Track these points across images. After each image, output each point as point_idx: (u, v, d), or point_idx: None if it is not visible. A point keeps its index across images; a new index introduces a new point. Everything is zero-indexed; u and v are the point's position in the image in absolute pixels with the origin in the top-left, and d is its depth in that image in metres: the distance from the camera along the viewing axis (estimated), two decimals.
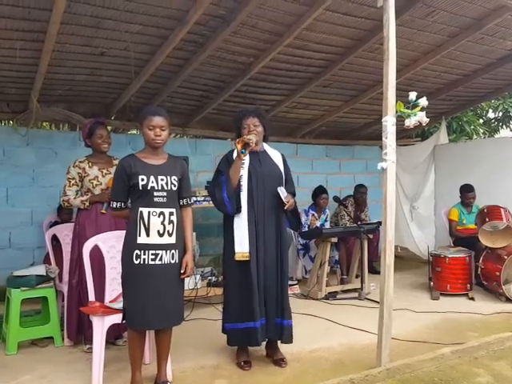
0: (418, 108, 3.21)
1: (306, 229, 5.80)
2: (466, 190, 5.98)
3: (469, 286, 5.20)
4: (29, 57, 4.46)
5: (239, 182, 3.34)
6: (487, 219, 5.19)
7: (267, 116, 3.65)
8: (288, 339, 3.40)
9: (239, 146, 3.26)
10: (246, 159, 3.34)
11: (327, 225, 6.06)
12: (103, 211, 3.66)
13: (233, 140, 6.63)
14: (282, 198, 3.34)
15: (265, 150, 3.53)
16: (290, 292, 5.25)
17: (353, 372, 3.08)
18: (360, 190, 6.53)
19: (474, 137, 9.56)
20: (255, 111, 3.51)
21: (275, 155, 3.55)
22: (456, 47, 5.31)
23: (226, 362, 3.40)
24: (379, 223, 5.26)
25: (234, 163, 3.35)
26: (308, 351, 3.62)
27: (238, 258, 3.29)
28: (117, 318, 3.03)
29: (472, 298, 5.10)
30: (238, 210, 3.32)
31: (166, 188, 2.86)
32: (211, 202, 5.01)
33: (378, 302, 3.33)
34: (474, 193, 5.94)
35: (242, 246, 3.29)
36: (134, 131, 6.63)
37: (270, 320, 3.33)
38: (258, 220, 3.34)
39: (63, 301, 4.04)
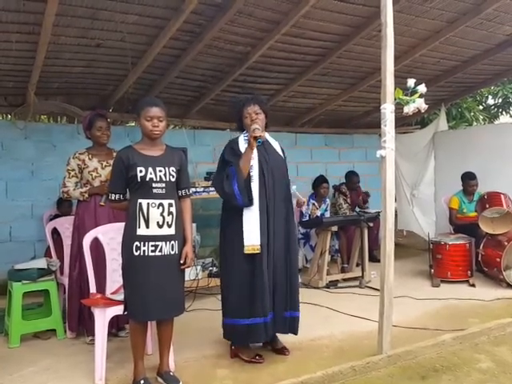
0: (417, 95, 3.19)
1: (307, 218, 5.81)
2: (469, 178, 5.87)
3: (469, 272, 5.20)
4: (25, 49, 4.44)
5: (249, 172, 3.18)
6: (487, 205, 5.19)
7: (266, 102, 3.51)
8: (294, 330, 3.33)
9: (253, 140, 3.16)
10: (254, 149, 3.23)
11: (328, 214, 6.06)
12: (102, 203, 3.69)
13: (232, 131, 6.65)
14: (299, 197, 3.36)
15: (267, 140, 3.41)
16: None
17: (354, 359, 3.10)
18: (353, 179, 6.53)
19: (474, 123, 9.54)
20: (255, 98, 3.36)
21: (275, 144, 3.45)
22: (455, 33, 5.28)
23: (228, 351, 3.40)
24: (379, 213, 5.26)
25: (245, 154, 3.20)
26: (309, 339, 3.63)
27: (247, 251, 3.13)
28: (118, 310, 3.04)
29: (473, 285, 5.11)
30: (251, 202, 3.14)
31: (164, 179, 2.85)
32: (211, 193, 5.16)
33: (378, 290, 3.32)
34: (477, 180, 5.83)
35: (251, 238, 3.13)
36: (133, 123, 6.60)
37: (278, 313, 3.22)
38: (269, 211, 3.20)
39: (64, 293, 4.06)
